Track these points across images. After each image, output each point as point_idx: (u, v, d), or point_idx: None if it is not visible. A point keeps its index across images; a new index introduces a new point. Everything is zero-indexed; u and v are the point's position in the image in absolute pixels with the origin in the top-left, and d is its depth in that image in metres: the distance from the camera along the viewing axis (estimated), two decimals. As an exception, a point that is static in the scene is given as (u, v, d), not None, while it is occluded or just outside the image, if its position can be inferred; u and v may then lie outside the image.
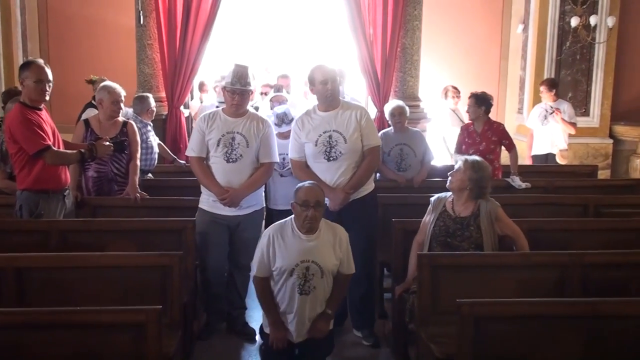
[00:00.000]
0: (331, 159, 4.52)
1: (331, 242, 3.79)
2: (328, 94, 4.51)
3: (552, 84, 8.06)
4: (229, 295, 4.84)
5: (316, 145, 4.52)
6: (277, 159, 4.86)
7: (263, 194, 4.95)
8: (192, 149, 4.65)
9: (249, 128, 4.58)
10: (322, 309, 3.79)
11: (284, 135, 5.58)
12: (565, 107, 8.04)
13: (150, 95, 6.24)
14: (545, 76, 9.25)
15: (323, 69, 4.55)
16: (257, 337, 4.55)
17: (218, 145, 4.54)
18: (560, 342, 3.17)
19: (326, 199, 4.44)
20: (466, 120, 7.67)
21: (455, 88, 8.35)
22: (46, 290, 3.74)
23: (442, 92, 8.41)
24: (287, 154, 5.60)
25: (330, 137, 4.51)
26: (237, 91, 4.51)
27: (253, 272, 3.82)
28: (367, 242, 4.64)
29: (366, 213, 4.65)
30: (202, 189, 4.70)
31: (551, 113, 7.87)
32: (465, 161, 4.30)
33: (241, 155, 4.54)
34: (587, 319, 3.17)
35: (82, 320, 3.01)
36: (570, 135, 8.09)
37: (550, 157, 8.03)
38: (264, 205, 4.99)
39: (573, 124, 7.95)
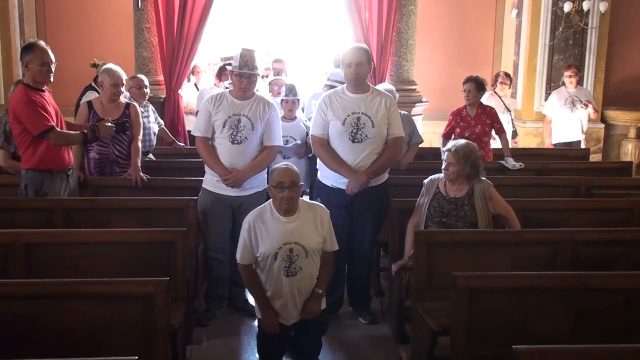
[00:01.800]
0: (356, 140, 4.52)
1: (312, 221, 3.82)
2: (352, 77, 4.53)
3: (579, 70, 8.10)
4: (230, 274, 4.90)
5: (343, 124, 4.52)
6: (281, 142, 4.92)
7: (265, 176, 4.99)
8: (198, 129, 4.71)
9: (255, 111, 4.64)
10: (311, 288, 3.84)
11: (288, 118, 5.71)
12: (587, 93, 8.15)
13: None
14: (538, 61, 9.36)
15: (350, 52, 4.58)
16: (256, 322, 4.63)
17: (224, 126, 4.59)
18: (552, 314, 3.30)
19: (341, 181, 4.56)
20: (511, 107, 7.92)
21: (507, 75, 8.25)
22: (54, 265, 3.84)
23: (493, 78, 8.29)
24: (290, 136, 5.75)
25: (358, 118, 4.51)
26: (245, 75, 4.56)
27: (237, 260, 3.86)
28: (374, 229, 4.73)
29: (378, 201, 4.69)
30: (206, 169, 4.76)
31: (584, 105, 7.97)
32: (455, 152, 4.33)
33: (246, 138, 4.60)
34: (577, 291, 3.31)
35: (92, 291, 3.11)
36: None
37: (575, 144, 8.04)
38: (266, 186, 5.05)
39: (595, 109, 8.15)
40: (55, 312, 3.07)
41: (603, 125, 9.56)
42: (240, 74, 4.57)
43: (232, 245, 4.81)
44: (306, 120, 6.02)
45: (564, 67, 8.49)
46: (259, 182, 4.80)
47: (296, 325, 3.88)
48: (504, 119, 7.63)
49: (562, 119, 8.09)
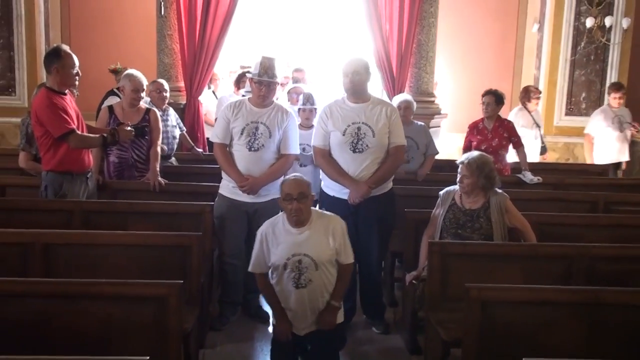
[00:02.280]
0: (357, 150, 4.51)
1: (324, 232, 3.74)
2: (349, 86, 4.54)
3: (622, 88, 7.97)
4: (245, 280, 4.90)
5: (344, 135, 4.52)
6: (298, 151, 4.95)
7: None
8: (216, 135, 4.76)
9: (273, 119, 4.67)
10: (326, 300, 3.77)
11: (305, 127, 5.74)
12: (629, 112, 8.02)
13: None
14: (559, 76, 9.35)
15: (347, 62, 4.58)
16: (270, 329, 4.63)
17: (242, 133, 4.64)
18: (564, 328, 3.27)
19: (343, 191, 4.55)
20: (540, 122, 7.82)
21: (537, 89, 8.08)
22: (71, 265, 3.89)
23: (522, 92, 8.07)
24: (307, 144, 5.75)
25: (358, 128, 4.50)
26: (264, 83, 4.60)
27: (249, 269, 3.85)
28: (380, 238, 4.69)
29: (383, 210, 4.67)
30: (223, 174, 4.80)
31: (633, 126, 7.88)
32: (469, 165, 4.33)
33: (263, 145, 4.64)
34: (590, 306, 3.27)
35: (107, 292, 3.14)
36: (584, 135, 8.16)
37: (618, 165, 7.93)
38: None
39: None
40: (71, 311, 3.11)
41: (624, 142, 9.48)
42: (260, 82, 4.61)
43: (248, 250, 4.84)
44: None
45: (611, 87, 8.15)
46: (275, 189, 4.74)
47: (311, 337, 3.83)
48: (532, 134, 7.64)
49: (608, 139, 7.88)
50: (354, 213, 4.57)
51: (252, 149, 4.64)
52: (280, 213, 3.83)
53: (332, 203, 4.68)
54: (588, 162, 8.07)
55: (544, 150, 7.97)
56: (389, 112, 4.59)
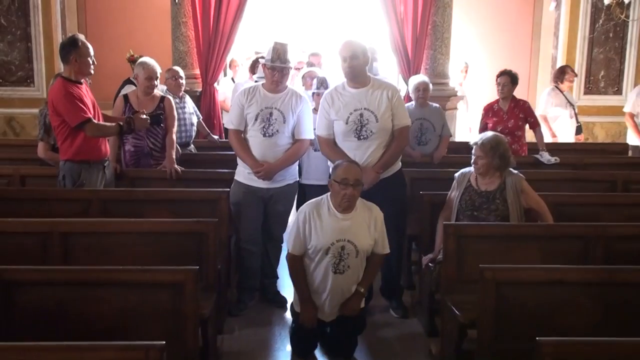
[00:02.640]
0: (362, 137, 4.48)
1: (367, 221, 3.81)
2: (347, 71, 4.47)
3: None
4: (262, 266, 4.97)
5: (347, 123, 4.48)
6: (312, 136, 4.92)
7: (297, 168, 5.05)
8: (230, 122, 4.78)
9: (287, 104, 4.68)
10: (354, 288, 3.83)
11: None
12: None
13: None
14: (577, 54, 9.23)
15: (343, 45, 4.50)
16: (288, 314, 4.68)
17: (256, 119, 4.65)
18: (579, 308, 3.28)
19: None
20: (574, 101, 7.67)
21: (573, 70, 7.88)
22: (89, 254, 3.94)
23: (556, 72, 7.92)
24: None
25: (361, 115, 4.47)
26: (277, 68, 4.61)
27: (288, 249, 3.86)
28: (396, 219, 4.63)
29: (394, 190, 4.65)
30: (238, 161, 4.83)
31: None
32: (482, 146, 4.31)
33: (277, 131, 4.65)
34: (605, 285, 3.28)
35: (124, 278, 3.18)
36: (602, 114, 8.05)
37: None
38: (297, 179, 5.08)
39: None
40: (88, 298, 3.16)
41: (644, 120, 9.36)
42: (273, 67, 4.62)
43: (264, 236, 4.90)
44: None
45: None
46: (290, 175, 4.85)
47: (333, 322, 3.88)
48: (567, 114, 7.54)
49: None
50: (366, 198, 4.52)
51: (267, 134, 4.65)
52: (324, 195, 3.82)
53: None
54: (634, 143, 7.64)
55: (579, 130, 7.79)
56: (390, 94, 4.53)
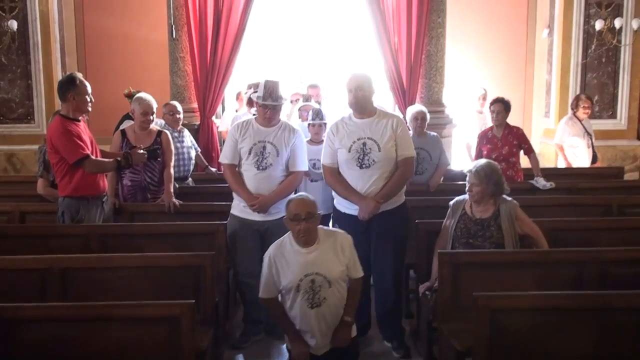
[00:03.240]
0: (364, 166, 4.49)
1: (333, 249, 3.70)
2: (352, 102, 4.52)
3: None
4: None
5: (349, 151, 4.50)
6: (306, 167, 4.99)
7: None
8: (225, 156, 4.82)
9: (280, 138, 4.72)
10: (339, 317, 3.71)
11: (315, 142, 5.79)
12: None
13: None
14: (571, 79, 9.30)
15: (350, 78, 4.56)
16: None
17: (249, 153, 4.69)
18: (573, 333, 3.30)
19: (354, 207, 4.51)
20: (591, 131, 7.71)
21: (588, 98, 7.93)
22: (88, 289, 3.97)
23: (572, 100, 8.00)
24: (318, 160, 5.73)
25: (364, 144, 4.48)
26: (269, 106, 4.68)
27: (260, 296, 3.78)
28: (395, 255, 4.62)
29: (396, 225, 4.61)
30: (234, 194, 4.85)
31: None
32: (477, 173, 4.35)
33: (271, 164, 4.69)
34: (599, 311, 3.30)
35: (122, 314, 3.22)
36: (597, 138, 8.12)
37: None
38: None
39: None
40: (87, 333, 3.20)
41: (639, 143, 9.44)
42: (265, 105, 4.68)
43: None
44: None
45: None
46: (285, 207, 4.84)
47: (326, 354, 3.76)
48: (584, 143, 7.61)
49: None
50: (366, 229, 4.55)
51: (260, 168, 4.69)
52: (287, 234, 3.77)
53: (344, 220, 4.67)
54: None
55: (595, 159, 7.82)
56: (395, 124, 4.56)
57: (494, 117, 6.29)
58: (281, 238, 3.81)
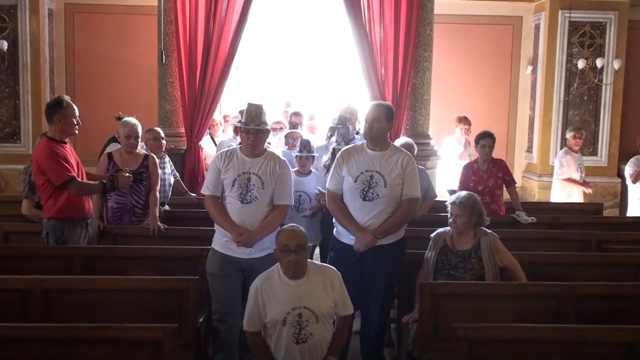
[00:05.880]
0: (367, 199, 4.39)
1: (322, 284, 3.64)
2: (366, 132, 4.50)
3: None
4: (241, 340, 4.51)
5: (355, 181, 4.42)
6: (292, 201, 4.77)
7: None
8: (207, 187, 4.53)
9: (265, 169, 4.45)
10: (324, 355, 3.64)
11: (302, 174, 5.81)
12: None
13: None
14: (554, 116, 9.53)
15: (370, 107, 4.55)
16: None
17: (233, 185, 4.41)
18: (550, 365, 3.36)
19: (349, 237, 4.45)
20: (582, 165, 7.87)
21: (576, 129, 8.02)
22: (70, 311, 3.98)
23: (569, 136, 8.03)
24: (303, 192, 5.74)
25: (371, 177, 4.40)
26: (252, 131, 4.41)
27: (244, 327, 3.68)
28: (386, 288, 4.54)
29: (391, 259, 4.52)
30: (216, 227, 4.57)
31: None
32: (460, 204, 4.42)
33: (256, 197, 4.40)
34: (574, 344, 3.37)
35: (104, 336, 3.24)
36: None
37: None
38: None
39: None
40: (68, 355, 3.21)
41: (620, 180, 9.60)
42: (247, 130, 4.43)
43: (244, 308, 4.43)
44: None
45: None
46: (270, 244, 4.40)
47: None
48: (578, 177, 7.82)
49: None
50: (360, 260, 4.46)
51: (245, 201, 4.40)
52: (275, 265, 3.71)
53: (341, 249, 4.57)
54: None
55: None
56: (405, 162, 4.48)
57: (484, 152, 6.31)
58: (269, 269, 3.74)
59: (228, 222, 4.41)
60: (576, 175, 7.81)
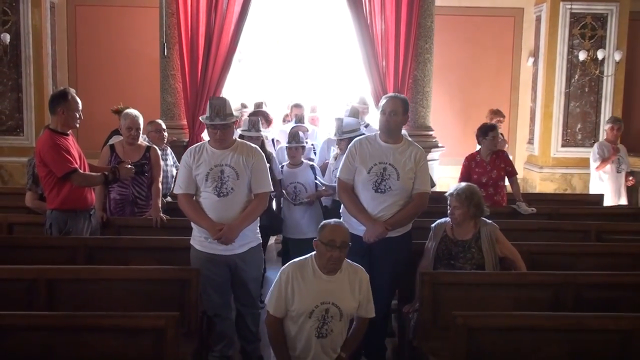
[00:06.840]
0: (379, 190, 4.42)
1: (352, 283, 3.66)
2: (383, 124, 4.49)
3: None
4: (240, 332, 4.65)
5: (369, 173, 4.44)
6: (271, 188, 4.63)
7: (258, 228, 4.63)
8: (179, 186, 4.45)
9: (237, 159, 4.36)
10: (337, 353, 3.69)
11: (294, 165, 5.81)
12: None
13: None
14: (555, 108, 9.51)
15: (387, 100, 4.54)
16: None
17: (207, 179, 4.31)
18: (548, 353, 3.39)
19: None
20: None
21: (615, 120, 8.04)
22: (74, 300, 4.03)
23: (607, 128, 8.08)
24: (298, 182, 5.77)
25: (384, 169, 4.42)
26: (218, 126, 4.32)
27: (269, 311, 3.65)
28: (391, 279, 4.56)
29: (399, 251, 4.55)
30: (193, 225, 4.47)
31: None
32: (458, 196, 4.44)
33: (232, 189, 4.30)
34: (572, 332, 3.40)
35: (108, 324, 3.28)
36: (579, 166, 8.30)
37: None
38: (261, 241, 4.70)
39: None
40: (72, 343, 3.25)
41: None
42: (213, 125, 4.35)
43: (237, 302, 4.60)
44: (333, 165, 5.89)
45: None
46: (252, 238, 4.49)
47: None
48: (613, 167, 7.82)
49: None
50: (368, 252, 4.48)
51: (221, 194, 4.30)
52: (309, 256, 3.70)
53: None
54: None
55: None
56: (418, 156, 4.51)
57: (493, 143, 6.29)
58: (303, 257, 3.73)
59: (204, 220, 4.33)
60: (612, 166, 7.78)
